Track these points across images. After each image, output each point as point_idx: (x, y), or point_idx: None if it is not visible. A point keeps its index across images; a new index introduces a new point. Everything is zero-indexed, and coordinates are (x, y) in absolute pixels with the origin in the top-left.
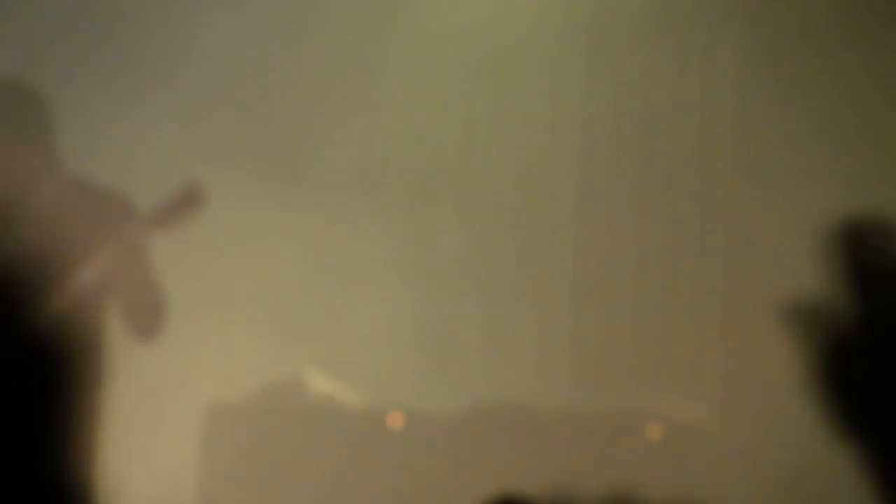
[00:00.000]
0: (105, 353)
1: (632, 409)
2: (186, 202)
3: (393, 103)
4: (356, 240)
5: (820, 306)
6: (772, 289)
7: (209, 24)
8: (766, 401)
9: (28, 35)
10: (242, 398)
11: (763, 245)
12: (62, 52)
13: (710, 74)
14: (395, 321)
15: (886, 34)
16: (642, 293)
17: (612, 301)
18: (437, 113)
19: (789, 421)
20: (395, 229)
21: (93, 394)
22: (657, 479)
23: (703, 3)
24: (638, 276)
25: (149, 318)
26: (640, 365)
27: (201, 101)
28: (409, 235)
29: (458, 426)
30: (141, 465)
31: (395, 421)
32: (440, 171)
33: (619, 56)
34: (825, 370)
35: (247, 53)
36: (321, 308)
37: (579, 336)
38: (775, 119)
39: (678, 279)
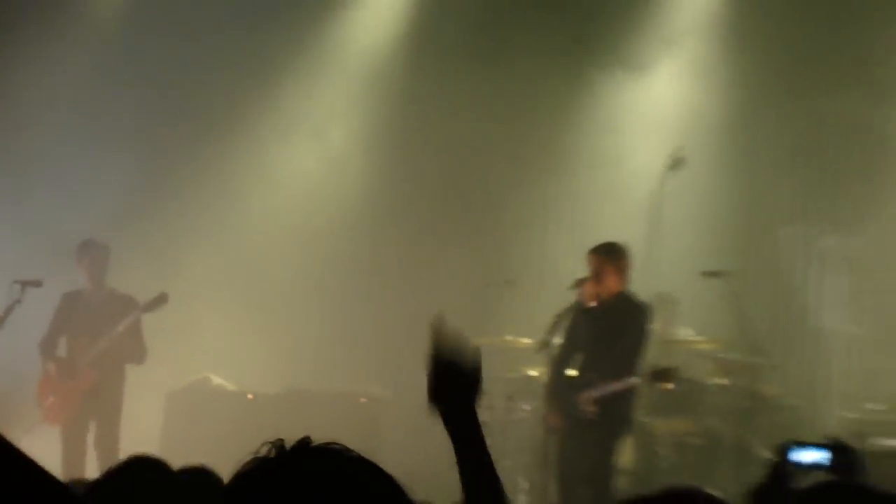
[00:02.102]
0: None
1: (352, 391)
2: (159, 300)
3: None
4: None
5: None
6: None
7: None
8: (423, 387)
9: None
10: (183, 391)
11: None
12: None
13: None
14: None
15: None
16: (367, 316)
17: (349, 319)
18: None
19: None
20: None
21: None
22: (365, 435)
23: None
24: (359, 304)
25: (139, 355)
26: (355, 361)
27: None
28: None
29: (274, 400)
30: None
31: (249, 397)
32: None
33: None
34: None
35: None
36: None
37: (327, 339)
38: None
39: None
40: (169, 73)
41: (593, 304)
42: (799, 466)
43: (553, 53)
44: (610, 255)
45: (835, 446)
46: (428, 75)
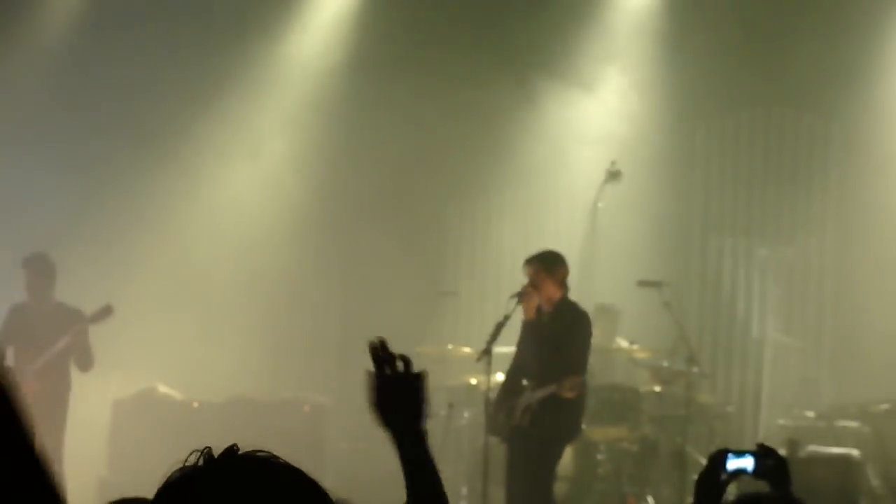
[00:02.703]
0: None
1: (295, 398)
2: (104, 312)
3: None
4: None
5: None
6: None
7: None
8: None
9: None
10: (130, 399)
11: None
12: None
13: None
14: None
15: None
16: (308, 326)
17: (291, 329)
18: None
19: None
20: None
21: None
22: (309, 442)
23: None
24: (301, 314)
25: (86, 363)
26: (297, 370)
27: None
28: None
29: (219, 409)
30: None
31: (194, 405)
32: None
33: None
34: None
35: None
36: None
37: (269, 349)
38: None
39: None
40: (112, 94)
41: (531, 317)
42: (725, 472)
43: (493, 69)
44: (545, 264)
45: (760, 453)
46: (369, 89)
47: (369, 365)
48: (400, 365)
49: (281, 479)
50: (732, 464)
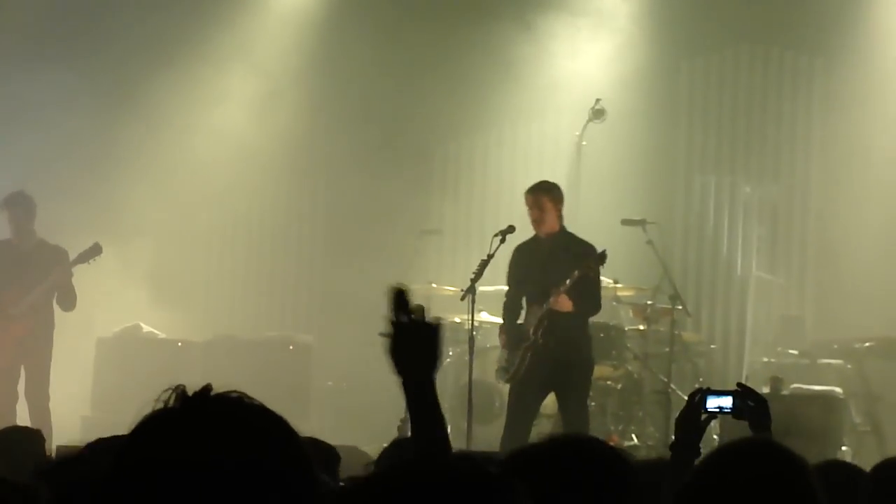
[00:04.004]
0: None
1: (279, 337)
2: (93, 251)
3: None
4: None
5: None
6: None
7: None
8: (349, 332)
9: None
10: (114, 338)
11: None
12: None
13: None
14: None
15: None
16: (291, 265)
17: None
18: None
19: (363, 346)
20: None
21: None
22: (290, 377)
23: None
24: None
25: (69, 303)
26: (281, 310)
27: None
28: None
29: (203, 347)
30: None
31: (178, 344)
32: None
33: None
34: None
35: None
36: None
37: (252, 289)
38: None
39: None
40: (90, 41)
41: (552, 232)
42: (705, 411)
43: (480, 14)
44: (552, 194)
45: (739, 393)
46: (353, 33)
47: (354, 304)
48: (418, 313)
49: (251, 420)
50: (712, 403)
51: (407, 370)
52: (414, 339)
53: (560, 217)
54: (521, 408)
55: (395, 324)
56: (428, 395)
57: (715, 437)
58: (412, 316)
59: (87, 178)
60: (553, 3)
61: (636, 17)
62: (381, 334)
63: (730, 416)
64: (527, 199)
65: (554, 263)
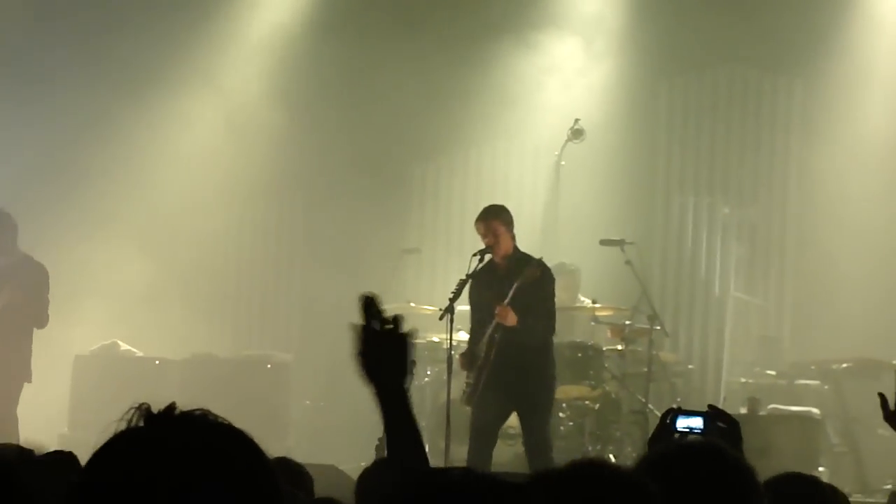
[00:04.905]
0: None
1: (257, 356)
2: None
3: None
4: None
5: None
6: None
7: None
8: (327, 352)
9: None
10: (91, 356)
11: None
12: None
13: None
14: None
15: None
16: (270, 283)
17: (252, 287)
18: None
19: (341, 365)
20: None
21: None
22: (268, 395)
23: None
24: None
25: (36, 319)
26: (260, 328)
27: None
28: None
29: (181, 366)
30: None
31: (156, 362)
32: None
33: None
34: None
35: None
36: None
37: (230, 307)
38: None
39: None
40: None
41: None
42: (676, 431)
43: (456, 32)
44: (502, 217)
45: (710, 414)
46: (331, 50)
47: (332, 323)
48: (389, 321)
49: (215, 439)
50: (682, 423)
51: (375, 376)
52: (383, 346)
53: (513, 238)
54: (479, 429)
55: (365, 328)
56: (399, 404)
57: None
58: (384, 324)
59: (63, 198)
60: (532, 24)
61: (616, 37)
62: (351, 336)
63: (700, 436)
64: (478, 227)
65: (509, 285)
